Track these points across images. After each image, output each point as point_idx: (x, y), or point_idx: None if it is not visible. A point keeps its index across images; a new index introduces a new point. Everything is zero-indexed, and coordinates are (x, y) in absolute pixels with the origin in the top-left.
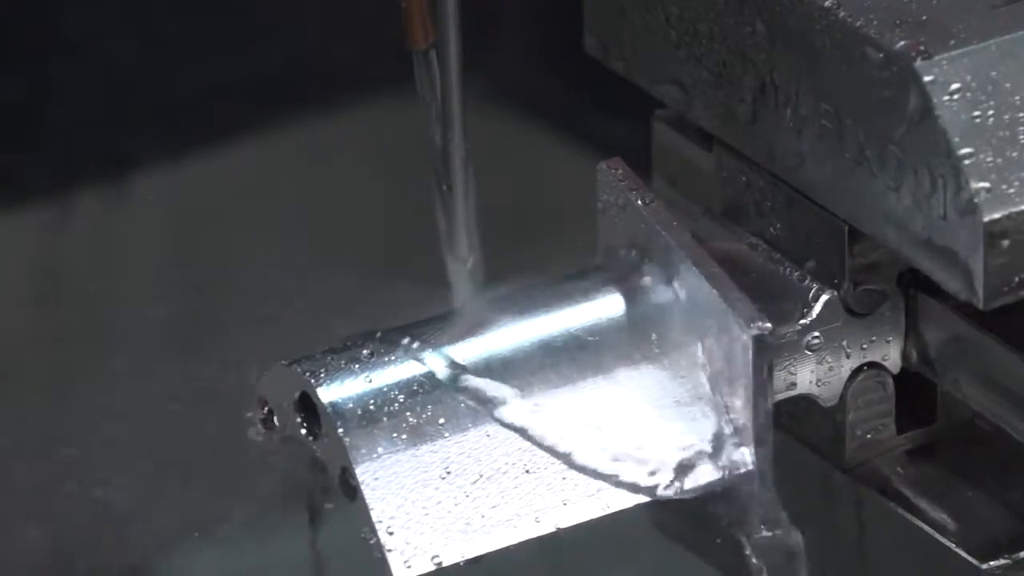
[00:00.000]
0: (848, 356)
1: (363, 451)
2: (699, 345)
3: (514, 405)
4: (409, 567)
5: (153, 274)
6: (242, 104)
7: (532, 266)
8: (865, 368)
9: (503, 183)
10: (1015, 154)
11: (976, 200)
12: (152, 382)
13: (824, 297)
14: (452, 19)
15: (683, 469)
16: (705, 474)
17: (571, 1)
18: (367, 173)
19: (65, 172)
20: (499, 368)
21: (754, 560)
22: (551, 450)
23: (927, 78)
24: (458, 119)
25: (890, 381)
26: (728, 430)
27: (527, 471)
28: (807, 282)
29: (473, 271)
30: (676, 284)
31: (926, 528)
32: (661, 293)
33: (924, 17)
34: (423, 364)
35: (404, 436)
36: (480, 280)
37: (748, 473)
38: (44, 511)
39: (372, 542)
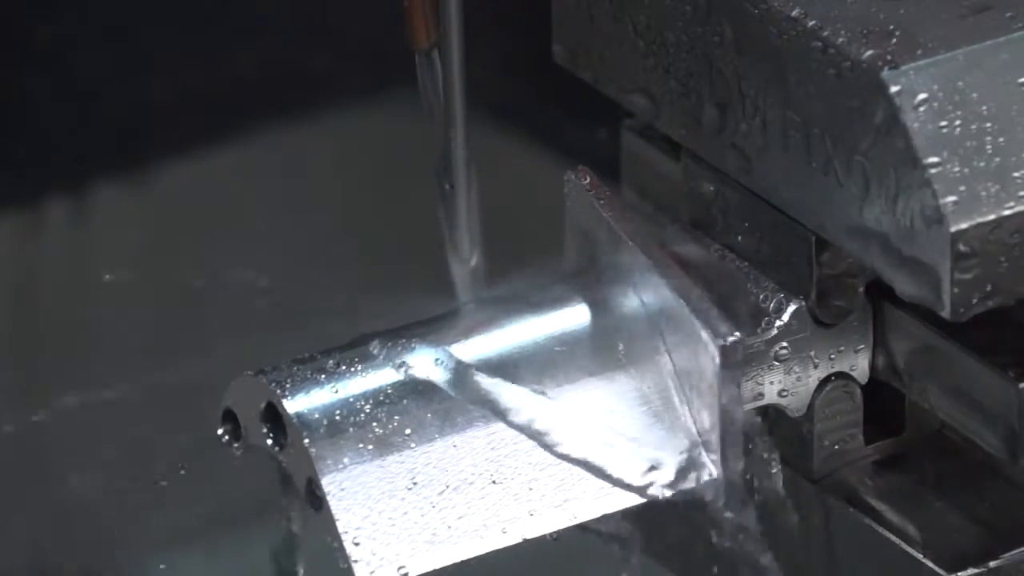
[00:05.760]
0: (816, 366)
1: (329, 462)
2: (666, 355)
3: (478, 417)
4: None
5: (130, 282)
6: (218, 111)
7: (511, 275)
8: (833, 378)
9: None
10: (982, 164)
11: (943, 210)
12: (132, 389)
13: (792, 307)
14: (454, 18)
15: (650, 479)
16: (672, 484)
17: (544, 9)
18: (344, 179)
19: (39, 181)
20: (464, 379)
21: (722, 568)
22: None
23: (894, 88)
24: (460, 118)
25: (858, 391)
26: (695, 440)
27: (494, 482)
28: (775, 292)
29: (475, 270)
30: (643, 294)
31: (894, 539)
32: (628, 303)
33: (891, 27)
34: (390, 373)
35: (370, 447)
36: (482, 279)
37: (715, 482)
38: (21, 516)
39: (338, 553)
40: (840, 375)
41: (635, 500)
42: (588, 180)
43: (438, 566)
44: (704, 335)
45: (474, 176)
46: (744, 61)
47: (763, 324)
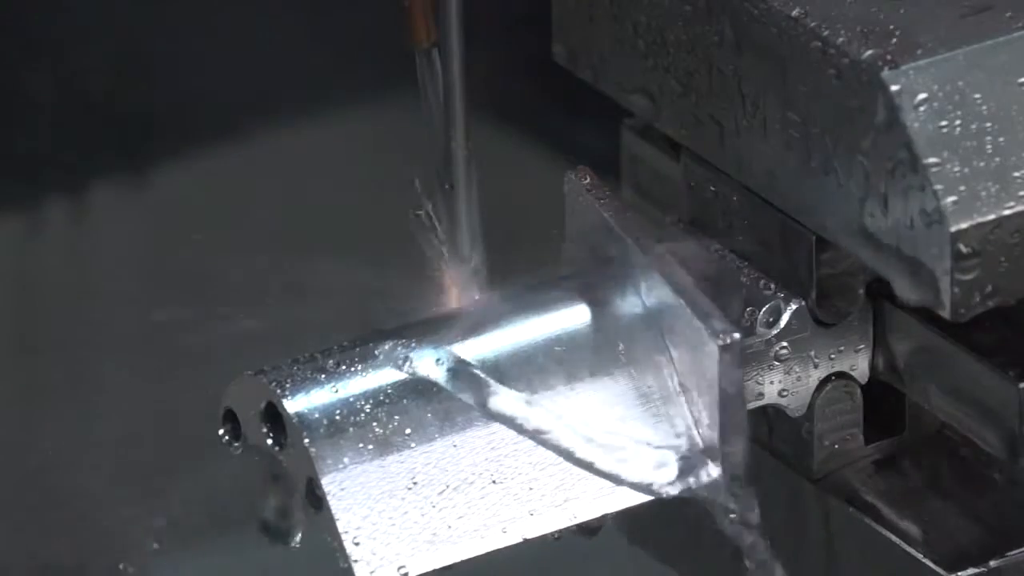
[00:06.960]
0: (816, 366)
1: (329, 461)
2: (666, 355)
3: (478, 417)
4: None
5: (130, 282)
6: (218, 111)
7: (511, 275)
8: (833, 378)
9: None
10: (982, 164)
11: (943, 210)
12: (132, 389)
13: (792, 307)
14: (454, 18)
15: (651, 478)
16: (673, 483)
17: (544, 9)
18: (344, 179)
19: (39, 181)
20: (464, 379)
21: (723, 567)
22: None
23: (894, 87)
24: (460, 118)
25: (858, 391)
26: (696, 439)
27: (494, 481)
28: (775, 292)
29: (476, 271)
30: (643, 294)
31: (894, 538)
32: (628, 303)
33: (892, 26)
34: (391, 372)
35: (371, 446)
36: (482, 279)
37: (715, 481)
38: (21, 516)
39: (338, 552)
40: (840, 375)
41: (635, 500)
42: (588, 180)
43: (438, 566)
44: (704, 335)
45: (474, 176)
46: (744, 61)
47: (763, 324)
